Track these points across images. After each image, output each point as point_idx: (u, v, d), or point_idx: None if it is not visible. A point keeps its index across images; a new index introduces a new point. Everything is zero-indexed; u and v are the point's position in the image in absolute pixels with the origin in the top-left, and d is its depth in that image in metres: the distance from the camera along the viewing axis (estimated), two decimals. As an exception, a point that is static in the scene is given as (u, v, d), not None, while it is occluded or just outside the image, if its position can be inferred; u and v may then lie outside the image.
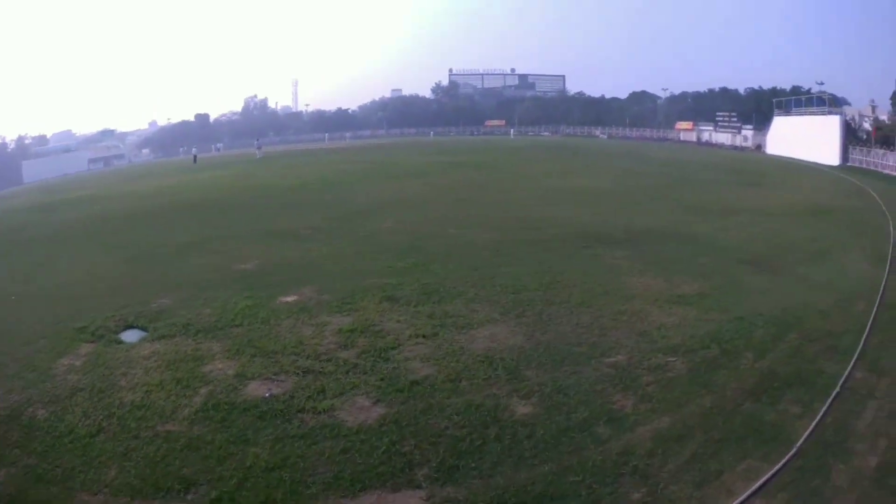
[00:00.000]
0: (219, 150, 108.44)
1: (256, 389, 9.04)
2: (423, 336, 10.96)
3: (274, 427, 7.94)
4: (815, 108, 59.57)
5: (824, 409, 8.47)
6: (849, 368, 9.72)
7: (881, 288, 14.04)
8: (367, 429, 7.93)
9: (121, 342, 11.21)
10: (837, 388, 9.06)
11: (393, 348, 10.46)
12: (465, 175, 38.39)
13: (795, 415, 8.37)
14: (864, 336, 11.07)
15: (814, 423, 8.06)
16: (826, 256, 17.52)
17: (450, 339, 10.86)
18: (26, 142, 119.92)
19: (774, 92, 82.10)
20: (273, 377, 9.43)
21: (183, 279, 15.27)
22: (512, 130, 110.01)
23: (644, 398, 8.83)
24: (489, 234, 20.11)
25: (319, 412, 8.33)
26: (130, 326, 11.92)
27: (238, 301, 13.01)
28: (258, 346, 10.66)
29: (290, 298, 13.28)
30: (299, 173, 44.24)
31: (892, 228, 21.41)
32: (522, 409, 8.40)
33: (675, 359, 10.16)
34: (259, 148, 74.89)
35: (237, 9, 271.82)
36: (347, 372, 9.57)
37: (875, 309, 12.56)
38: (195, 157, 74.13)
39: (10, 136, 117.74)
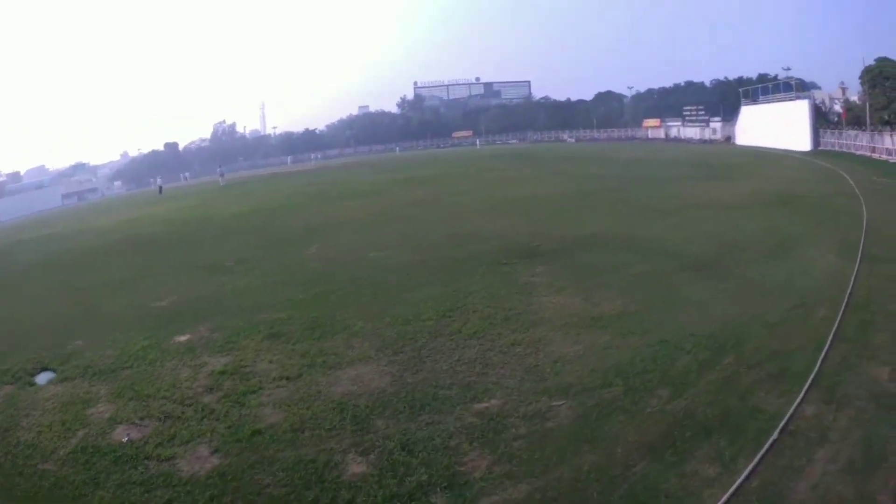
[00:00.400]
0: (186, 178, 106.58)
1: (120, 433, 8.93)
2: (287, 378, 10.18)
3: (122, 472, 7.82)
4: (782, 95, 57.77)
5: (750, 467, 6.32)
6: (796, 402, 7.56)
7: (849, 285, 11.98)
8: (196, 480, 7.51)
9: (33, 384, 11.51)
10: (775, 434, 6.94)
11: (254, 392, 9.81)
12: (415, 191, 36.76)
13: (707, 479, 6.27)
14: (823, 354, 8.88)
15: (728, 494, 5.95)
16: (786, 251, 15.70)
17: (312, 381, 10.00)
18: (0, 179, 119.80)
19: (740, 81, 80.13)
20: (138, 422, 9.26)
21: (102, 319, 15.07)
22: (478, 140, 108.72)
23: (504, 458, 7.22)
24: (411, 255, 18.79)
25: (162, 460, 8.08)
26: (45, 368, 12.20)
27: (137, 342, 12.77)
28: (137, 389, 10.49)
29: (183, 338, 12.83)
30: (252, 200, 43.34)
31: (864, 211, 19.62)
32: (355, 467, 7.38)
33: (562, 402, 8.39)
34: (222, 175, 74.24)
35: (205, 35, 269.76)
36: (202, 418, 9.14)
37: (840, 314, 10.45)
38: (160, 188, 74.30)
39: None
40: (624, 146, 73.34)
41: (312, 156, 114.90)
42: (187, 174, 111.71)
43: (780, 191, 25.89)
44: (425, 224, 24.77)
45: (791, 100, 54.70)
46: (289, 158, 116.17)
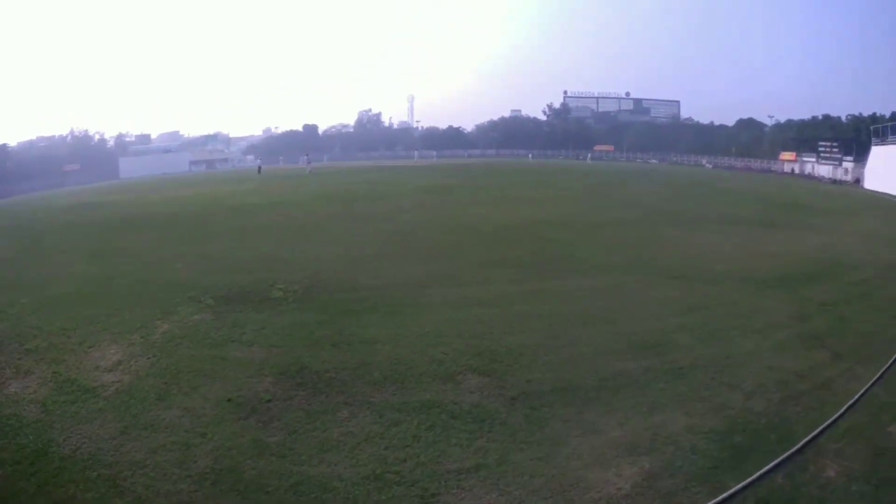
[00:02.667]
0: (307, 161, 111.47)
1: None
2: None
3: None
4: None
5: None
6: None
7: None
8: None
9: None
10: None
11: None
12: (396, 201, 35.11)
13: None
14: None
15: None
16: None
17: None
18: (127, 139, 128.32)
19: (874, 119, 73.46)
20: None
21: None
22: (589, 155, 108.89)
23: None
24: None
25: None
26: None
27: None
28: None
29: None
30: (294, 192, 43.85)
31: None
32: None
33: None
34: (308, 164, 76.83)
35: (358, 25, 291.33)
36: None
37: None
38: (259, 167, 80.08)
39: (110, 133, 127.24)
40: (752, 178, 68.92)
41: (416, 153, 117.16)
42: (305, 157, 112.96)
43: (826, 257, 20.03)
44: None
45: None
46: (416, 153, 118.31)
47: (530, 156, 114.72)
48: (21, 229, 30.88)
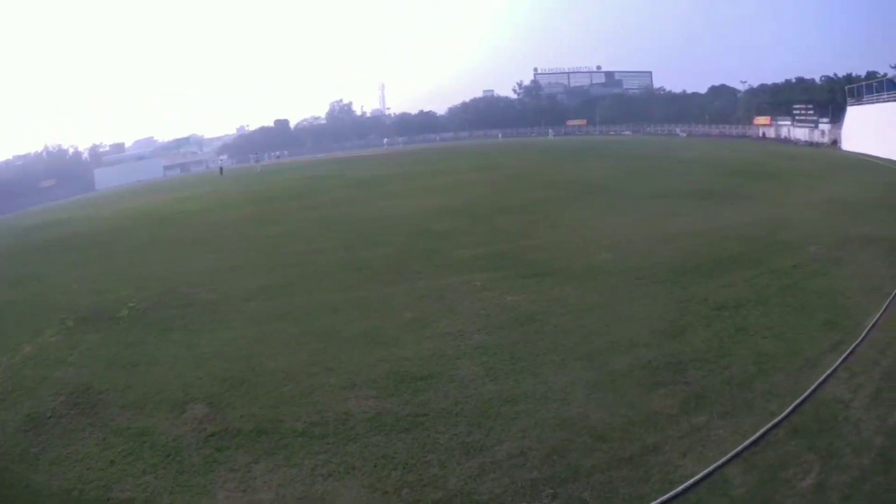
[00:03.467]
0: (279, 157, 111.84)
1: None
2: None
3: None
4: (889, 94, 48.63)
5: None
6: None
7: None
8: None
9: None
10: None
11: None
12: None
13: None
14: None
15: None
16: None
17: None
18: (101, 150, 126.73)
19: (849, 79, 71.20)
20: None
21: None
22: (550, 131, 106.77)
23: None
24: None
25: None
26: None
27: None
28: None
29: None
30: (227, 196, 42.90)
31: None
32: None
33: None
34: (257, 162, 78.81)
35: (327, 16, 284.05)
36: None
37: None
38: (221, 168, 78.85)
39: (84, 146, 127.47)
40: (726, 144, 67.23)
41: (385, 140, 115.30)
42: (277, 153, 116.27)
43: (786, 231, 16.77)
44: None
45: (896, 100, 45.22)
46: (385, 141, 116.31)
47: (500, 135, 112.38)
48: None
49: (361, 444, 7.14)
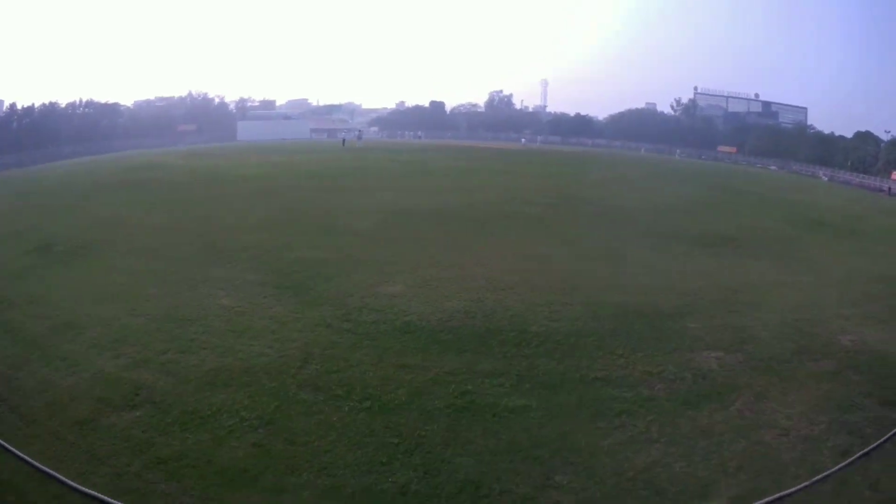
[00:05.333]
0: (419, 137, 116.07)
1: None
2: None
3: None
4: None
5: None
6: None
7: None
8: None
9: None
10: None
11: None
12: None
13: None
14: None
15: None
16: None
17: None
18: (249, 104, 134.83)
19: None
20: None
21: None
22: (678, 151, 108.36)
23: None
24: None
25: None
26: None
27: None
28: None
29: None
30: (290, 165, 49.86)
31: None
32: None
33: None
34: (353, 139, 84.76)
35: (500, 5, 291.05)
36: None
37: None
38: (343, 140, 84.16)
39: (231, 97, 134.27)
40: (855, 195, 65.99)
41: (523, 139, 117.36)
42: (421, 133, 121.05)
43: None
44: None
45: None
46: (522, 139, 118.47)
47: (643, 150, 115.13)
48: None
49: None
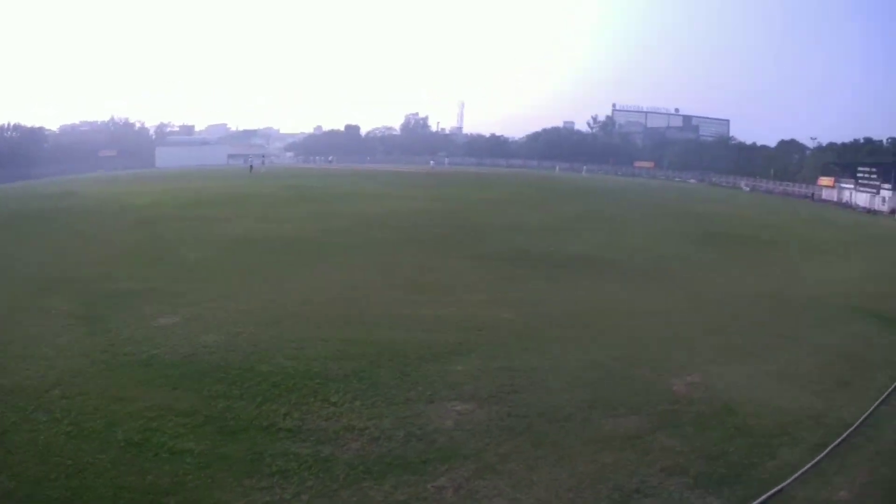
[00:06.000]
0: (330, 162, 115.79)
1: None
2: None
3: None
4: None
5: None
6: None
7: None
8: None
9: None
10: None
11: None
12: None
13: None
14: None
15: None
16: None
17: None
18: (168, 129, 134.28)
19: None
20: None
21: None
22: (584, 168, 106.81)
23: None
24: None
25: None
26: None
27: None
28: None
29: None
30: (177, 193, 46.88)
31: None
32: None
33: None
34: (255, 164, 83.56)
35: (413, 29, 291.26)
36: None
37: None
38: (251, 166, 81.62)
39: (152, 123, 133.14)
40: (773, 203, 64.57)
41: (432, 162, 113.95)
42: (332, 158, 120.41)
43: None
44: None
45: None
46: (431, 161, 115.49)
47: (557, 168, 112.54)
48: None
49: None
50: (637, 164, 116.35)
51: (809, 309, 17.52)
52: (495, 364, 12.50)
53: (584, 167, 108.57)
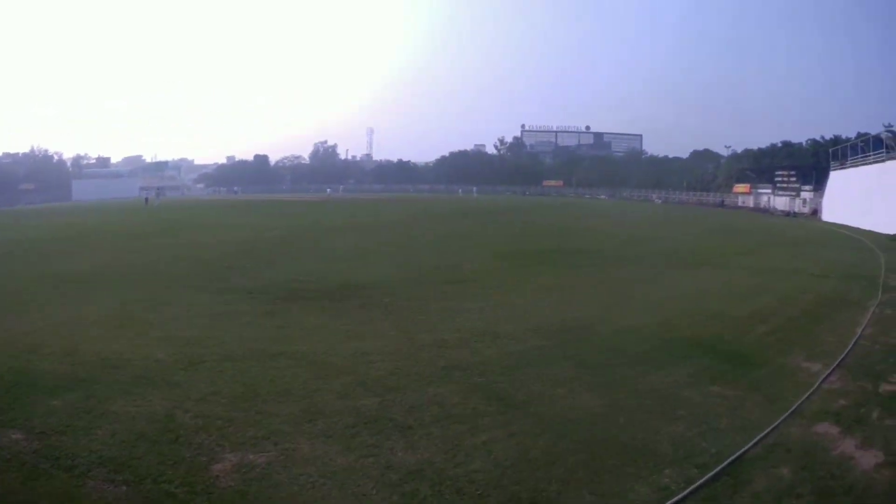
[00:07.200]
0: (236, 192, 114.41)
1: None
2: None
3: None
4: (874, 155, 40.46)
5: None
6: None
7: None
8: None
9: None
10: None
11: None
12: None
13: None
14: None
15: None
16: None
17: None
18: (84, 161, 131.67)
19: (836, 142, 63.29)
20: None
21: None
22: (474, 189, 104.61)
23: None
24: None
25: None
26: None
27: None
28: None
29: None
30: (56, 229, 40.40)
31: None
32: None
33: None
34: (152, 197, 79.11)
35: (321, 57, 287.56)
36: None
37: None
38: (146, 199, 76.47)
39: (69, 154, 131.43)
40: (680, 213, 62.41)
41: (328, 189, 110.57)
42: (237, 188, 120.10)
43: None
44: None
45: (881, 161, 37.69)
46: (328, 189, 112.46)
47: (460, 191, 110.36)
48: None
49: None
50: (545, 183, 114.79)
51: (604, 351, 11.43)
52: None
53: (474, 188, 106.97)
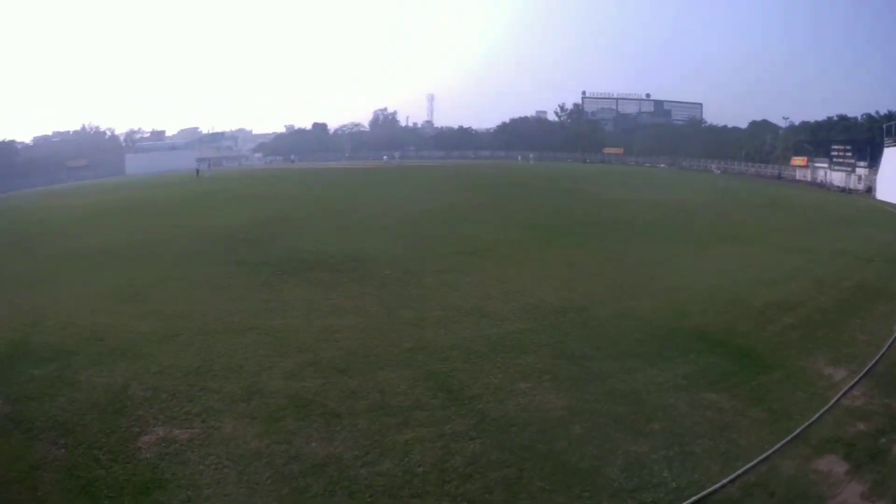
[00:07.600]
0: (293, 161, 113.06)
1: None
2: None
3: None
4: None
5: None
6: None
7: None
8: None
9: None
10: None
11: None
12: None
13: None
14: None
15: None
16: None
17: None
18: (138, 136, 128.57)
19: (890, 117, 60.35)
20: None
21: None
22: (531, 156, 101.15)
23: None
24: None
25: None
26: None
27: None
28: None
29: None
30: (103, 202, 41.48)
31: None
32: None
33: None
34: (204, 168, 78.61)
35: (379, 24, 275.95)
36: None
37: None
38: (198, 170, 75.58)
39: (122, 129, 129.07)
40: (736, 184, 59.25)
41: (385, 157, 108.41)
42: (294, 157, 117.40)
43: None
44: None
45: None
46: (384, 157, 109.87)
47: (519, 158, 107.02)
48: None
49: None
50: (606, 150, 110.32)
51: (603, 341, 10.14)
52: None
53: (531, 155, 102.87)
